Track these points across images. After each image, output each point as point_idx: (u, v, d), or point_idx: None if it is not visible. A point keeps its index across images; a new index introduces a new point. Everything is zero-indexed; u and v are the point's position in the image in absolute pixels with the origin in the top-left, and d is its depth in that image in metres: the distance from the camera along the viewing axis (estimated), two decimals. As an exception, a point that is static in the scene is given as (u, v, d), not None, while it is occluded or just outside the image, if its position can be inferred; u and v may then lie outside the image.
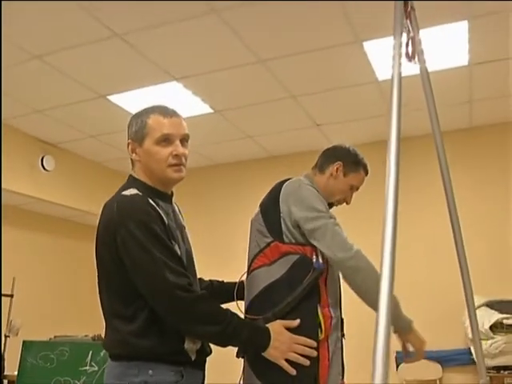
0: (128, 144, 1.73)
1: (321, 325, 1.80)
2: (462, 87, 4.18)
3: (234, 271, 2.11)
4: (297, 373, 1.68)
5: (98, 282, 1.68)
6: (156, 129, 1.67)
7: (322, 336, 1.79)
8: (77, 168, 5.54)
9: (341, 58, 3.72)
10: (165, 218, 1.62)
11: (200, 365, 1.66)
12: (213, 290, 2.00)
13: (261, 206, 2.03)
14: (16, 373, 4.10)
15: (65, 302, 5.57)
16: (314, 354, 1.72)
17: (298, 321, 1.74)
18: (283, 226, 1.90)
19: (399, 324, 1.94)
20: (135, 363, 1.52)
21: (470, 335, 4.20)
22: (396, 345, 5.42)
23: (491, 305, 4.26)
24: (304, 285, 1.80)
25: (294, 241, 1.88)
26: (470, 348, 4.29)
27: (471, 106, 4.51)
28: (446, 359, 4.57)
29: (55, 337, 4.56)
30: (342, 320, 1.98)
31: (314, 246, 1.85)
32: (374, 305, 1.79)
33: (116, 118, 4.61)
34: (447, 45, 3.60)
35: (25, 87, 4.13)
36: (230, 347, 1.64)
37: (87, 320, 5.32)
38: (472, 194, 4.85)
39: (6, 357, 4.56)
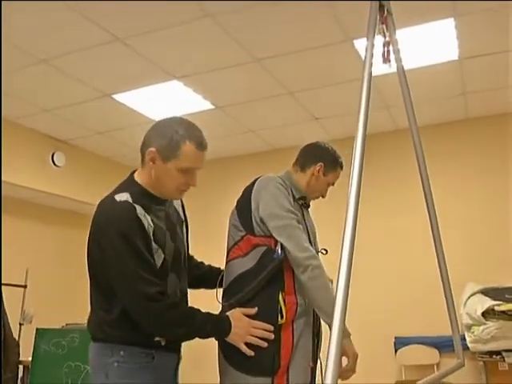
0: (150, 151, 1.73)
1: (281, 310, 1.93)
2: (454, 81, 4.28)
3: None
4: (257, 353, 1.85)
5: (88, 273, 1.84)
6: (187, 159, 1.72)
7: (282, 321, 1.92)
8: (86, 163, 5.74)
9: (333, 56, 3.84)
10: (149, 228, 1.72)
11: (173, 348, 1.82)
12: (209, 276, 2.15)
13: (237, 202, 2.16)
14: (30, 358, 4.32)
15: (75, 291, 5.76)
16: (271, 336, 1.87)
17: (255, 309, 1.90)
18: (253, 220, 2.03)
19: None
20: (109, 345, 1.70)
21: (464, 321, 4.32)
22: (395, 330, 5.57)
23: (486, 292, 4.35)
24: (263, 274, 1.95)
25: (263, 233, 2.01)
26: (464, 334, 4.41)
27: (465, 99, 4.61)
28: (443, 345, 4.68)
29: (67, 324, 4.78)
30: None
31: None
32: (320, 306, 1.98)
33: (121, 116, 4.80)
34: (436, 41, 3.70)
35: (35, 89, 4.33)
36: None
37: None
38: (468, 182, 4.96)
39: (20, 344, 4.78)
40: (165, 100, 4.49)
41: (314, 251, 2.04)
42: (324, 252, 2.29)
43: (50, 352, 4.14)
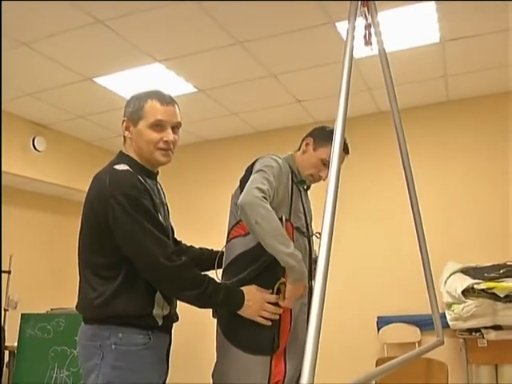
0: (123, 121, 1.87)
1: (280, 293, 1.93)
2: (435, 63, 4.31)
3: (216, 243, 2.26)
4: (258, 332, 1.89)
5: (80, 247, 1.82)
6: (151, 114, 1.83)
7: (281, 302, 1.93)
8: (67, 148, 5.69)
9: (316, 39, 3.84)
10: (152, 195, 1.78)
11: (167, 329, 1.85)
12: (203, 258, 2.19)
13: (240, 182, 2.14)
14: (16, 344, 4.33)
15: (59, 276, 5.77)
16: (277, 316, 1.91)
17: (269, 291, 1.91)
18: None
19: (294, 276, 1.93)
20: (106, 326, 1.69)
21: (444, 300, 4.40)
22: (377, 310, 5.64)
23: (465, 271, 4.42)
24: (266, 256, 1.92)
25: None
26: (445, 312, 4.49)
27: (446, 81, 4.65)
28: (424, 323, 4.75)
29: (52, 309, 4.78)
30: (310, 289, 2.06)
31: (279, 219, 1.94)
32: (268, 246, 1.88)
33: (102, 99, 4.75)
34: (418, 23, 3.72)
35: (14, 72, 4.26)
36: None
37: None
38: (447, 164, 5.02)
39: (6, 329, 4.77)
40: (147, 83, 4.46)
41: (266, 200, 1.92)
42: (318, 236, 2.30)
43: (35, 337, 4.14)
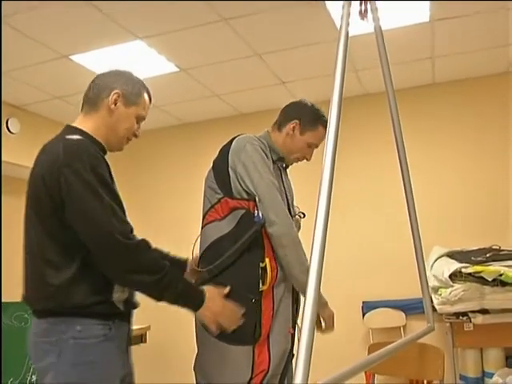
0: (115, 93, 1.73)
1: (263, 276, 1.88)
2: (423, 43, 4.22)
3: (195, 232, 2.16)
4: (244, 328, 1.83)
5: (27, 231, 1.63)
6: (143, 106, 1.79)
7: (263, 287, 1.89)
8: (42, 130, 5.46)
9: (303, 17, 3.71)
10: (110, 169, 1.64)
11: (127, 316, 1.69)
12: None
13: (213, 163, 2.08)
14: (-8, 334, 4.17)
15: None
16: (240, 322, 1.81)
17: (228, 288, 1.83)
18: (231, 181, 1.96)
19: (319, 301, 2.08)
20: (61, 319, 1.51)
21: (431, 284, 4.36)
22: (362, 295, 5.63)
23: (451, 255, 4.41)
24: (244, 239, 1.87)
25: (239, 196, 1.94)
26: (431, 296, 4.48)
27: (433, 62, 4.57)
28: (409, 307, 4.76)
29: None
30: None
31: (255, 201, 1.92)
32: (290, 269, 1.94)
33: (80, 78, 4.52)
34: (408, 1, 3.62)
35: (-16, 49, 4.05)
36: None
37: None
38: (433, 147, 4.97)
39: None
40: (127, 62, 4.28)
41: (291, 220, 1.98)
42: (302, 216, 2.22)
43: (12, 326, 3.99)
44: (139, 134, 1.82)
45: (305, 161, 2.29)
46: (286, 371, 1.99)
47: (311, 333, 1.02)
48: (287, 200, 2.13)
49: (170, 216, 5.54)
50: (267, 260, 1.90)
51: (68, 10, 3.50)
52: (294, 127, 2.18)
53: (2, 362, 3.84)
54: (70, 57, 4.19)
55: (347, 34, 1.75)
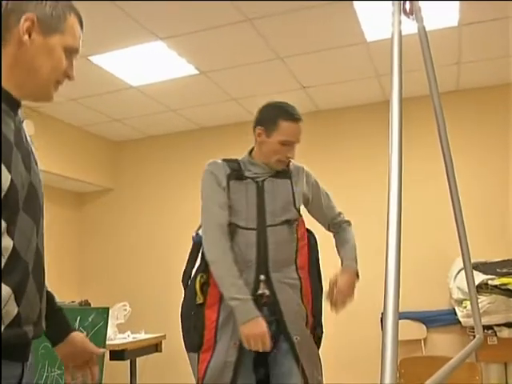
0: (27, 18, 1.23)
1: (196, 291, 2.09)
2: (450, 48, 4.12)
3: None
4: (187, 331, 2.13)
5: None
6: (72, 34, 1.34)
7: (199, 300, 2.09)
8: (57, 133, 5.39)
9: (329, 18, 3.62)
10: (6, 132, 1.21)
11: (18, 355, 1.23)
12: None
13: None
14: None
15: (49, 269, 5.50)
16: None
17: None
18: None
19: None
20: None
21: (455, 296, 4.26)
22: (381, 306, 5.49)
23: (475, 266, 4.29)
24: (188, 256, 2.21)
25: None
26: (454, 308, 4.36)
27: (459, 68, 4.47)
28: (430, 320, 4.65)
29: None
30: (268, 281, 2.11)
31: None
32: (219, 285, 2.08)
33: (98, 80, 4.47)
34: (437, 4, 3.52)
35: (2, 48, 3.97)
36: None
37: (73, 286, 5.27)
38: (459, 158, 4.85)
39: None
40: (146, 63, 4.19)
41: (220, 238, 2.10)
42: (292, 223, 2.23)
43: (24, 332, 3.88)
44: (73, 75, 1.36)
45: (309, 165, 2.40)
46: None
47: (395, 332, 0.92)
48: (263, 210, 2.15)
49: (184, 219, 5.43)
50: (207, 277, 2.11)
51: (88, 9, 3.41)
52: (259, 133, 2.21)
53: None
54: (89, 57, 4.10)
55: (400, 32, 1.64)
